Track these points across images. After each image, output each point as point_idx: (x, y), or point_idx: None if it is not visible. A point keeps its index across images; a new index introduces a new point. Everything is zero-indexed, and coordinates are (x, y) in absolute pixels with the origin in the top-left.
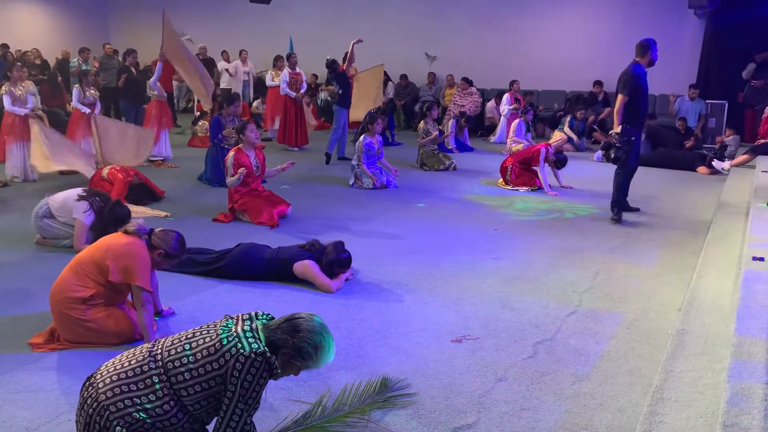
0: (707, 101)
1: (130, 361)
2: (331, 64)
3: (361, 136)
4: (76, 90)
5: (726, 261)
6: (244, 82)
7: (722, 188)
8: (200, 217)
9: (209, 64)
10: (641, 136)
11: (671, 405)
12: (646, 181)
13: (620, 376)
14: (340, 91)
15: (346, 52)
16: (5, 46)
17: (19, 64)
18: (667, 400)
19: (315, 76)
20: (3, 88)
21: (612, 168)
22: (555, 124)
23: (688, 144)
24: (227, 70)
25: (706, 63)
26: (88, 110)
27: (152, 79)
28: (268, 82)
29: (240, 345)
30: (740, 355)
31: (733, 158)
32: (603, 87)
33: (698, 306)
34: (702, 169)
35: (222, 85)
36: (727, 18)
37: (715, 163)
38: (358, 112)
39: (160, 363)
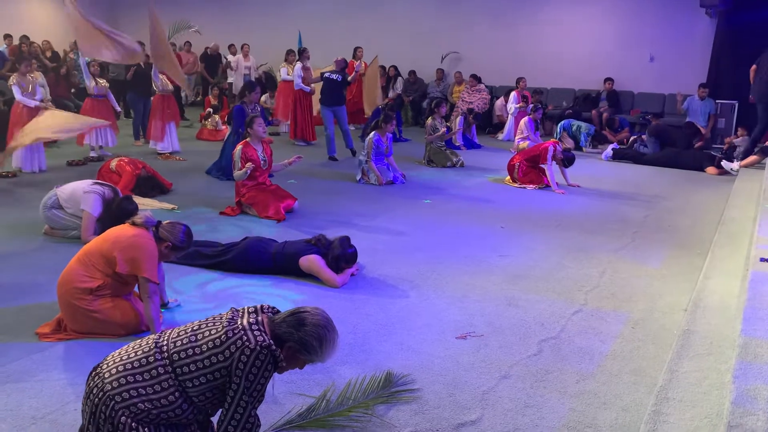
0: (717, 101)
1: (136, 352)
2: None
3: (372, 133)
4: (87, 79)
5: (733, 262)
6: (244, 76)
7: (731, 189)
8: (207, 210)
9: (214, 61)
10: None
11: (676, 405)
12: (653, 180)
13: (625, 376)
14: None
15: (355, 50)
16: (25, 37)
17: (25, 56)
18: (672, 400)
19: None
20: (12, 78)
21: (620, 166)
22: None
23: (697, 144)
24: (229, 66)
25: (716, 62)
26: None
27: (153, 71)
28: (283, 76)
29: (245, 337)
30: (746, 356)
31: (743, 159)
32: (613, 84)
33: (704, 306)
34: (711, 170)
35: (229, 80)
36: (739, 18)
37: (724, 163)
38: (366, 107)
39: (166, 354)
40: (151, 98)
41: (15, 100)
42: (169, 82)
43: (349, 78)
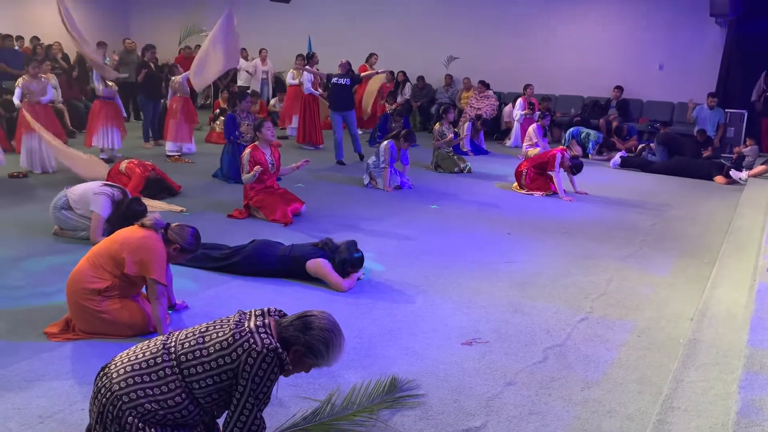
0: (726, 110)
1: (144, 353)
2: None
3: (387, 141)
4: (97, 80)
5: (741, 272)
6: (262, 80)
7: (739, 198)
8: (215, 213)
9: None
10: None
11: (681, 414)
12: (661, 189)
13: (630, 384)
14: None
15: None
16: (36, 38)
17: (38, 58)
18: (677, 410)
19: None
20: (19, 81)
21: (627, 174)
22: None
23: (706, 153)
24: (246, 70)
25: (726, 72)
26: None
27: (183, 76)
28: (289, 80)
29: (252, 340)
30: (752, 367)
31: (751, 168)
32: (622, 93)
33: (711, 316)
34: (719, 179)
35: (239, 83)
36: (749, 27)
37: (733, 172)
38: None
39: (174, 356)
40: (163, 101)
41: (27, 99)
42: (187, 86)
43: (362, 75)
